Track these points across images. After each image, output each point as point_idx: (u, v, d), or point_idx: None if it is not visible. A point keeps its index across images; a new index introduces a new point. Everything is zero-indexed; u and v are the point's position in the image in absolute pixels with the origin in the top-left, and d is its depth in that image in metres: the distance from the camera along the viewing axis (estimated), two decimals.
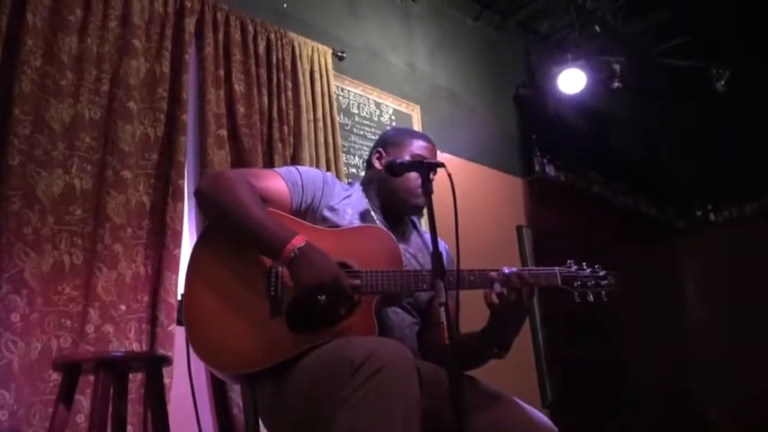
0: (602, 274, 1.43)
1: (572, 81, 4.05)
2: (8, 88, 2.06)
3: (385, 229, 1.45)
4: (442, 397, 1.16)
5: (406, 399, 1.05)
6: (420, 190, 1.48)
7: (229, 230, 1.35)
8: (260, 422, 1.42)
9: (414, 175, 1.48)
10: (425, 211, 1.34)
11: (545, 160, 4.33)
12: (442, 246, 1.62)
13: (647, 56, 4.37)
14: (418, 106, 3.66)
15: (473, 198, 3.68)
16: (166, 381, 2.13)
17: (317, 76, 3.03)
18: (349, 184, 1.64)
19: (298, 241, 1.26)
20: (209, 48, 2.66)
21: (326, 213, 1.46)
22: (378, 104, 3.45)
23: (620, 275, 1.45)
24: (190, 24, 2.61)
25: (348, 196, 1.55)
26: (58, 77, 2.18)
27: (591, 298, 1.41)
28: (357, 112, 3.34)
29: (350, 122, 3.27)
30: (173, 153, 2.40)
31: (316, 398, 1.16)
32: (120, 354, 1.77)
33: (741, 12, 3.94)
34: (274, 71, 2.84)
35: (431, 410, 1.16)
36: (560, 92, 4.23)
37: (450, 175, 1.26)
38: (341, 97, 3.25)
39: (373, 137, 3.28)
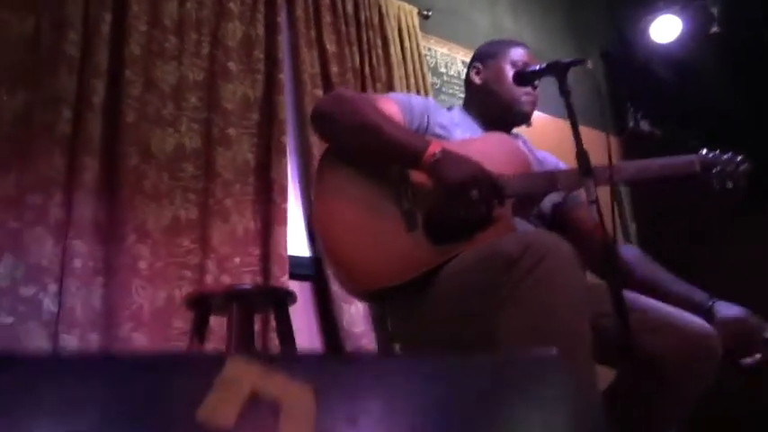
0: (739, 158, 1.35)
1: (666, 29, 3.84)
2: (119, 51, 2.13)
3: (506, 135, 1.39)
4: (594, 303, 1.10)
5: (572, 290, 0.99)
6: (525, 97, 1.43)
7: (360, 146, 1.31)
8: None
9: (506, 76, 1.45)
10: (566, 112, 1.27)
11: (638, 115, 4.14)
12: (554, 160, 1.57)
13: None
14: None
15: (564, 156, 3.54)
16: None
17: (404, 34, 3.00)
18: (448, 109, 1.59)
19: (436, 147, 1.23)
20: (300, 10, 2.67)
21: (438, 131, 1.43)
22: (465, 63, 3.37)
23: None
24: None
25: (452, 118, 1.51)
26: (162, 40, 2.25)
27: (730, 185, 1.32)
28: (445, 71, 3.29)
29: (439, 82, 3.22)
30: (273, 111, 2.42)
31: (467, 300, 1.11)
32: (248, 287, 1.78)
33: None
34: (363, 30, 2.83)
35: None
36: (653, 43, 4.02)
37: (590, 69, 1.20)
38: (428, 57, 3.21)
39: (462, 95, 3.22)
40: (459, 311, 1.15)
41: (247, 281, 2.18)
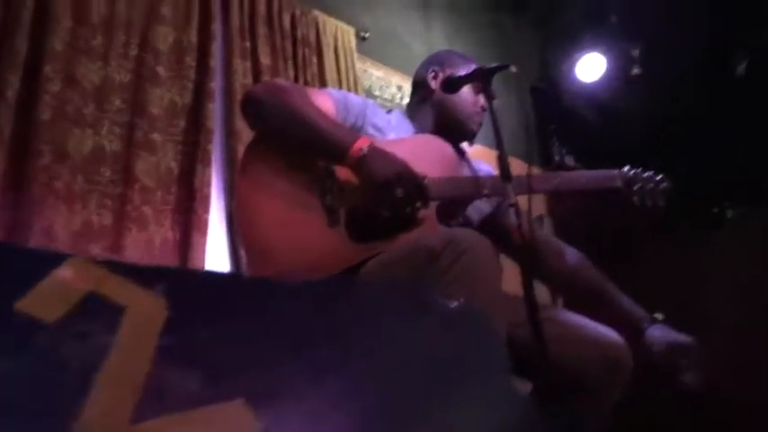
0: (660, 177, 1.41)
1: (590, 68, 4.03)
2: (40, 45, 2.03)
3: (439, 137, 1.39)
4: (517, 325, 1.10)
5: (490, 281, 0.99)
6: (477, 117, 1.44)
7: (288, 136, 1.28)
8: None
9: (472, 97, 1.45)
10: (488, 118, 1.28)
11: (563, 150, 4.30)
12: (488, 168, 1.58)
13: (665, 43, 4.35)
14: None
15: None
16: None
17: (341, 53, 3.01)
18: (387, 112, 1.57)
19: (363, 142, 1.21)
20: (235, 20, 2.64)
21: (372, 132, 1.41)
22: (399, 87, 3.42)
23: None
24: None
25: (389, 121, 1.49)
26: (89, 38, 2.16)
27: (649, 202, 1.38)
28: (379, 94, 3.31)
29: None
30: (201, 119, 2.36)
31: None
32: None
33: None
34: (300, 46, 2.82)
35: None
36: (578, 82, 4.21)
37: (515, 71, 1.22)
38: (363, 79, 3.23)
39: None
40: None
41: None
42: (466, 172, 1.51)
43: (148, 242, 2.11)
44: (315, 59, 2.86)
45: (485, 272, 0.99)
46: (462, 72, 1.46)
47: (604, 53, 4.03)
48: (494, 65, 1.31)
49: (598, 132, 4.76)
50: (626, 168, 1.44)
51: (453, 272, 0.97)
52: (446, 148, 1.35)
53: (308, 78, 2.78)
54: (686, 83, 4.42)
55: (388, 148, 1.25)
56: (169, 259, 2.17)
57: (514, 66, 1.25)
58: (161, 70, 2.32)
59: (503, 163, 1.17)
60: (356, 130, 1.40)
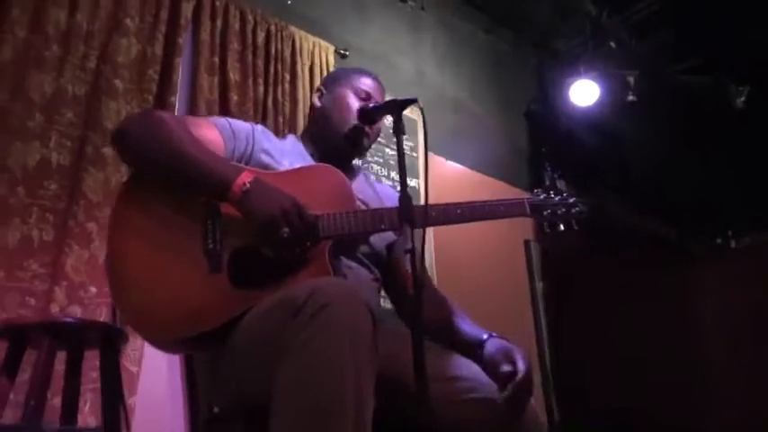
0: (571, 201, 1.31)
1: (584, 93, 3.93)
2: None
3: (333, 167, 1.29)
4: (401, 363, 1.01)
5: (355, 338, 0.90)
6: (353, 115, 1.36)
7: (165, 171, 1.16)
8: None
9: (346, 102, 1.37)
10: (396, 153, 1.18)
11: (555, 175, 4.18)
12: (395, 195, 1.47)
13: (662, 73, 4.24)
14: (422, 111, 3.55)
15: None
16: (133, 369, 2.01)
17: (316, 71, 2.94)
18: (281, 137, 1.47)
19: (247, 176, 1.12)
20: (206, 34, 2.59)
21: (263, 158, 1.31)
22: None
23: (593, 211, 1.34)
24: (187, 9, 2.54)
25: (282, 147, 1.39)
26: (42, 48, 2.11)
27: (561, 227, 1.29)
28: None
29: None
30: None
31: (258, 352, 1.00)
32: (72, 320, 1.62)
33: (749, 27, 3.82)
34: (272, 62, 2.76)
35: (389, 377, 1.00)
36: (573, 107, 4.10)
37: (422, 109, 1.14)
38: None
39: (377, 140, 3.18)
40: (251, 361, 1.03)
41: (103, 313, 2.02)
42: (368, 196, 1.40)
43: (91, 259, 2.04)
44: (288, 76, 2.80)
45: (350, 327, 0.89)
46: (348, 92, 1.40)
47: (600, 78, 3.93)
48: (403, 99, 1.22)
49: (592, 157, 4.66)
50: (537, 191, 1.36)
51: (313, 326, 0.88)
52: (341, 178, 1.26)
53: (279, 96, 2.72)
54: (682, 111, 4.31)
55: (277, 182, 1.17)
56: None
57: (421, 101, 1.17)
58: (119, 83, 2.27)
59: (404, 202, 1.08)
60: (247, 158, 1.31)
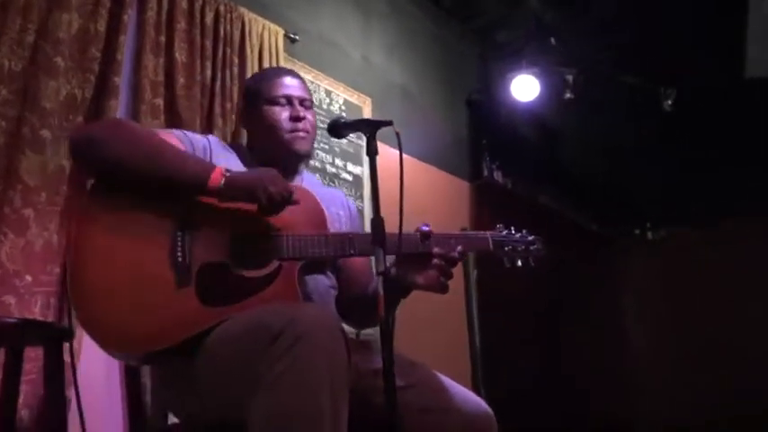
0: (530, 238, 1.41)
1: (525, 88, 4.03)
2: None
3: (307, 188, 1.32)
4: (369, 375, 1.05)
5: (332, 370, 0.92)
6: (290, 135, 1.38)
7: (143, 170, 1.14)
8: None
9: (271, 118, 1.38)
10: (369, 176, 1.21)
11: (494, 166, 4.31)
12: (347, 202, 1.53)
13: (600, 72, 4.41)
14: (370, 99, 3.56)
15: (419, 196, 3.60)
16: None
17: (266, 54, 2.89)
18: (232, 147, 1.47)
19: (222, 168, 1.15)
20: (152, 12, 2.49)
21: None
22: (328, 92, 3.33)
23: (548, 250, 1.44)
24: None
25: (238, 162, 1.39)
26: None
27: (519, 263, 1.39)
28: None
29: None
30: (101, 116, 2.21)
31: (230, 376, 1.01)
32: (12, 320, 1.56)
33: (691, 33, 4.03)
34: (221, 44, 2.69)
35: (358, 389, 1.04)
36: (513, 99, 4.21)
37: (398, 134, 1.16)
38: None
39: (322, 124, 3.14)
40: (222, 383, 1.04)
41: (38, 302, 1.95)
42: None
43: (27, 247, 1.96)
44: (236, 60, 2.74)
45: (324, 358, 0.92)
46: (272, 95, 1.42)
47: (541, 74, 4.05)
48: (378, 120, 1.25)
49: (530, 150, 4.81)
50: (499, 227, 1.44)
51: (290, 357, 0.90)
52: (314, 203, 1.28)
53: (227, 79, 2.66)
54: (617, 111, 4.51)
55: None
56: (53, 265, 2.03)
57: (396, 129, 1.21)
58: (59, 61, 2.15)
59: (376, 227, 1.11)
60: None
